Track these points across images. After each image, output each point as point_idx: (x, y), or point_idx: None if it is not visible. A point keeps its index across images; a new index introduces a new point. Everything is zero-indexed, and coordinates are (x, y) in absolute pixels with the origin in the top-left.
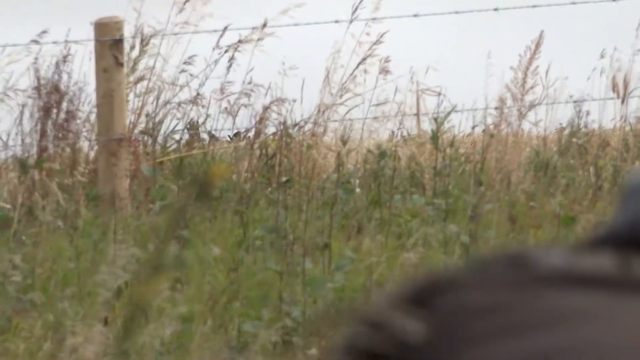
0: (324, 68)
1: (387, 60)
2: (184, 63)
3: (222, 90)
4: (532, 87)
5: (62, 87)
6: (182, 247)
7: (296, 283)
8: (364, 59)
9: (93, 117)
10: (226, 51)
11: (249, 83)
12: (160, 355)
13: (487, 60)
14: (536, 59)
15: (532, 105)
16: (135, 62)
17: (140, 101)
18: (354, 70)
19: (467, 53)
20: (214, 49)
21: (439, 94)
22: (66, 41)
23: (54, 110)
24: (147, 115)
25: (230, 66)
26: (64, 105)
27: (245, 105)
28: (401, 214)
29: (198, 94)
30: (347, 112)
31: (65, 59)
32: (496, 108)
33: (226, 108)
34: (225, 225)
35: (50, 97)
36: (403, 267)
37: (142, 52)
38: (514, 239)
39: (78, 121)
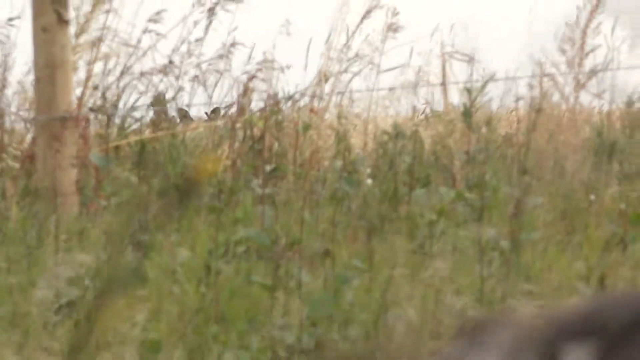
0: (327, 27)
1: (395, 14)
2: (150, 20)
3: (189, 52)
4: (592, 50)
5: None
6: (142, 256)
7: (290, 301)
8: (368, 12)
9: (29, 89)
10: (211, 10)
11: (231, 45)
12: None
13: (531, 15)
14: (599, 13)
15: (592, 73)
16: (87, 19)
17: (92, 70)
18: (358, 25)
19: (506, 5)
20: (193, 4)
21: (471, 58)
22: None
23: None
24: (100, 87)
25: (210, 23)
26: None
27: (222, 72)
28: (424, 212)
29: (170, 61)
30: (350, 80)
31: None
32: (546, 76)
33: (196, 76)
34: (198, 226)
35: None
36: (427, 281)
37: (95, 5)
38: (567, 243)
39: (8, 94)
